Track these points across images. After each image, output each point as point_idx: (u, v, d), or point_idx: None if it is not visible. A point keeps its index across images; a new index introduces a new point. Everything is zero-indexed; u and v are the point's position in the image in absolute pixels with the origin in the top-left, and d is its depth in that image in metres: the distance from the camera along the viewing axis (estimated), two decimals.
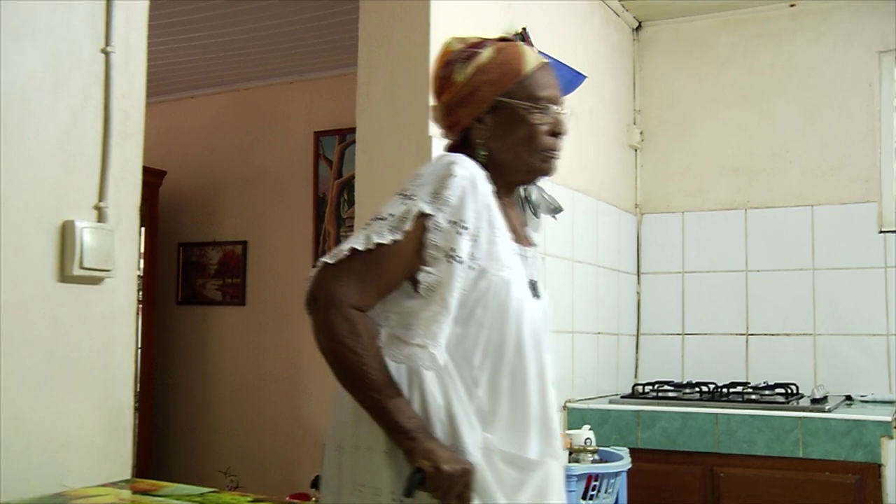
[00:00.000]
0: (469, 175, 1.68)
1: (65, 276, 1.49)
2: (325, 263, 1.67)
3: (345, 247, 1.65)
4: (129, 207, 1.62)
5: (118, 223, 1.58)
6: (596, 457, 2.80)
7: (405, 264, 1.66)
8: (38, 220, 1.46)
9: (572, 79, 3.10)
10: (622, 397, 3.48)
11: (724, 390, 3.40)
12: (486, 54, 1.82)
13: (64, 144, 1.48)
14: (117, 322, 1.59)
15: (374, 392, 1.62)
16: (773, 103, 3.96)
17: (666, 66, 4.19)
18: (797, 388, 3.44)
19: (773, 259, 3.89)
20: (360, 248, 1.64)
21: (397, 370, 1.64)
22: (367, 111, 2.76)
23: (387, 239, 1.63)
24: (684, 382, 3.66)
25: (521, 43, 1.88)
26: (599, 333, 3.73)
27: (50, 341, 1.47)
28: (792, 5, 3.94)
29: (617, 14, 4.02)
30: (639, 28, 4.24)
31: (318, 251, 4.89)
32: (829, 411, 3.04)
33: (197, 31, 4.35)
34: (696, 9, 4.04)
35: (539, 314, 1.75)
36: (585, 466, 2.69)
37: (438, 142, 2.64)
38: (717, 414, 3.12)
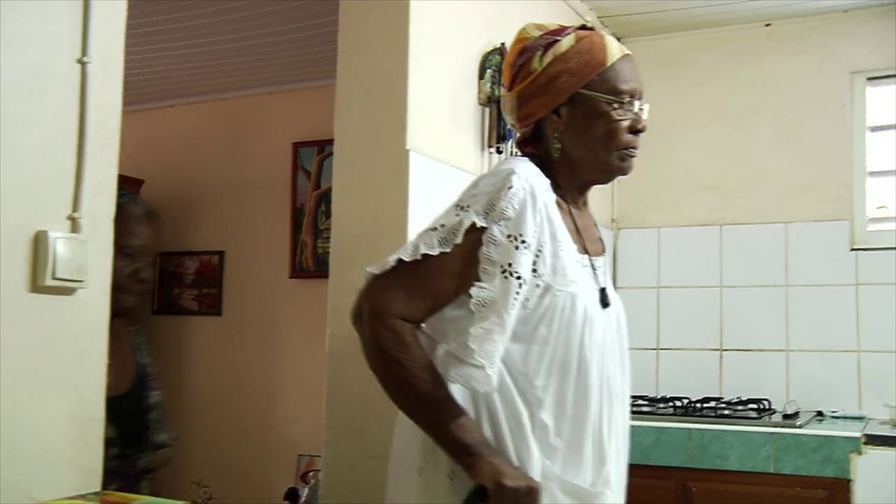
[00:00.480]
0: (528, 186, 1.60)
1: (37, 287, 1.48)
2: (371, 274, 1.61)
3: (392, 257, 1.59)
4: (104, 218, 1.62)
5: (92, 234, 1.58)
6: None
7: (455, 278, 1.58)
8: (10, 230, 1.45)
9: None
10: None
11: (698, 405, 3.42)
12: (566, 42, 1.74)
13: (38, 155, 1.48)
14: (90, 333, 1.59)
15: (426, 406, 1.54)
16: (750, 122, 4.00)
17: (644, 82, 4.20)
18: (770, 403, 3.47)
19: (747, 275, 3.92)
20: (406, 258, 1.58)
21: (454, 391, 1.56)
22: (344, 123, 2.77)
23: (435, 251, 1.57)
24: (658, 397, 3.68)
25: (603, 33, 1.80)
26: None
27: (21, 352, 1.46)
28: (767, 25, 3.99)
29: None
30: None
31: (295, 262, 4.88)
32: (800, 427, 3.07)
33: (177, 41, 4.35)
34: (674, 26, 4.07)
35: (610, 326, 1.68)
36: None
37: (416, 155, 2.65)
38: (690, 429, 3.14)
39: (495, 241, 1.56)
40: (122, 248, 1.97)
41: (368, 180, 2.69)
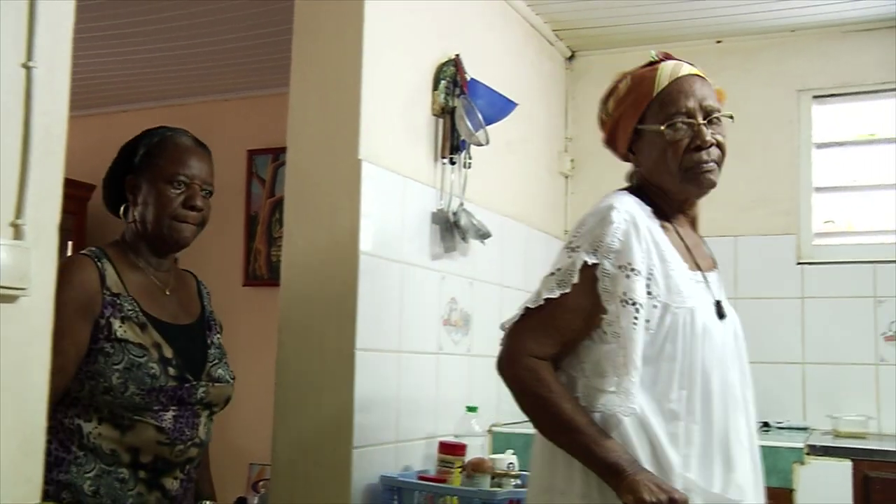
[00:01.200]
0: (629, 217, 1.71)
1: None
2: (506, 327, 1.79)
3: (520, 307, 1.75)
4: (49, 225, 1.60)
5: (36, 241, 1.56)
6: (519, 482, 2.82)
7: (580, 315, 1.69)
8: None
9: (503, 106, 3.14)
10: None
11: None
12: (622, 86, 1.89)
13: None
14: (33, 342, 1.56)
15: (570, 432, 1.64)
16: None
17: (598, 95, 4.16)
18: None
19: None
20: (531, 306, 1.73)
21: (598, 419, 1.66)
22: (297, 132, 2.77)
23: (555, 293, 1.69)
24: None
25: (669, 60, 1.87)
26: None
27: None
28: (719, 42, 4.05)
29: (551, 43, 4.09)
30: (572, 58, 4.31)
31: (249, 270, 4.86)
32: None
33: (131, 46, 4.31)
34: (627, 41, 4.12)
35: (727, 337, 1.77)
36: (508, 491, 2.70)
37: (369, 165, 2.66)
38: None
39: (608, 274, 1.68)
40: (172, 178, 2.01)
41: (321, 189, 2.69)
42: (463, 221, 3.02)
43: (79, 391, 1.88)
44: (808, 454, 2.95)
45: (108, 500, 1.87)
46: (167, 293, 2.06)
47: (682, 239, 1.81)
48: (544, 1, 3.73)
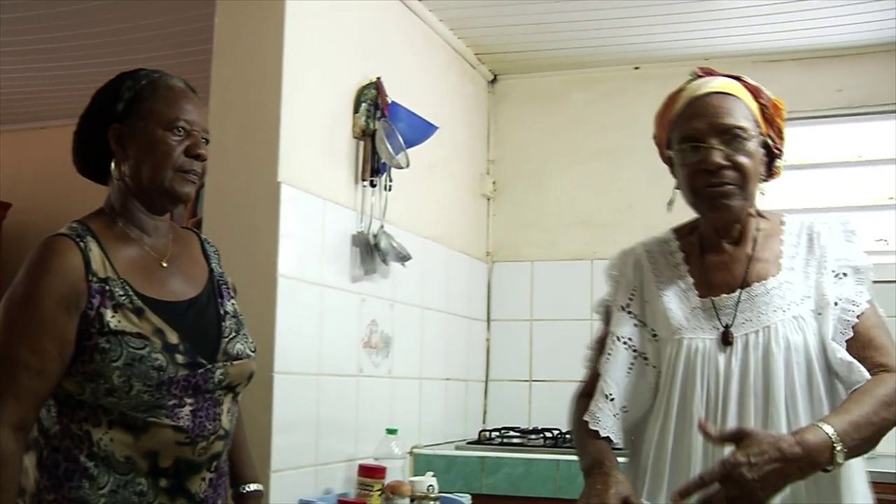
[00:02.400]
0: (619, 262, 1.92)
1: None
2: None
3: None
4: None
5: None
6: (438, 503, 2.83)
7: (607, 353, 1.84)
8: None
9: (424, 129, 3.17)
10: (468, 443, 3.53)
11: (568, 436, 3.48)
12: (660, 106, 1.90)
13: None
14: None
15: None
16: (621, 161, 4.13)
17: (520, 119, 4.32)
18: None
19: None
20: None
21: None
22: (216, 153, 2.71)
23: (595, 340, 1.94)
24: (530, 428, 3.74)
25: (703, 77, 1.83)
26: (448, 379, 3.78)
27: None
28: (636, 68, 4.15)
29: (473, 67, 4.13)
30: (494, 81, 4.36)
31: None
32: None
33: (51, 62, 4.24)
34: (549, 65, 4.19)
35: (733, 362, 1.69)
36: None
37: (288, 187, 2.66)
38: (558, 460, 3.20)
39: (608, 315, 1.89)
40: (172, 124, 1.73)
41: (239, 211, 2.68)
42: (383, 244, 3.03)
43: (80, 394, 1.64)
44: None
45: None
46: (164, 265, 1.77)
47: (702, 263, 1.80)
48: (466, 25, 3.78)
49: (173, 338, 1.68)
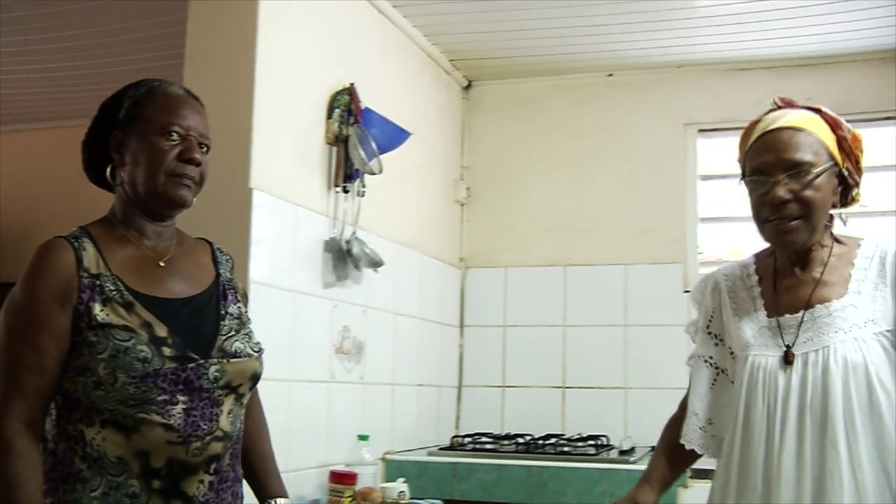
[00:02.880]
0: (700, 286, 2.08)
1: None
2: None
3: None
4: None
5: None
6: None
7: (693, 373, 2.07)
8: None
9: (397, 135, 3.17)
10: (441, 449, 3.53)
11: (540, 442, 3.50)
12: (739, 139, 1.99)
13: None
14: None
15: None
16: (594, 168, 4.16)
17: (494, 125, 4.34)
18: (608, 439, 3.58)
19: (589, 315, 4.06)
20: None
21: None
22: None
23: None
24: (502, 434, 3.74)
25: (781, 109, 1.91)
26: (421, 385, 3.78)
27: None
28: (610, 75, 4.17)
29: (447, 72, 4.14)
30: (469, 87, 4.38)
31: None
32: (633, 462, 3.18)
33: (24, 64, 4.20)
34: (523, 72, 4.21)
35: (793, 380, 1.80)
36: None
37: (260, 193, 2.65)
38: (530, 466, 3.21)
39: (695, 338, 2.07)
40: (165, 130, 1.75)
41: (211, 217, 2.63)
42: (355, 250, 3.02)
43: (74, 391, 1.65)
44: (691, 477, 3.03)
45: None
46: (161, 264, 1.78)
47: (775, 285, 1.92)
48: (441, 31, 3.79)
49: (161, 331, 1.67)
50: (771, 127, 1.86)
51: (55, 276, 1.65)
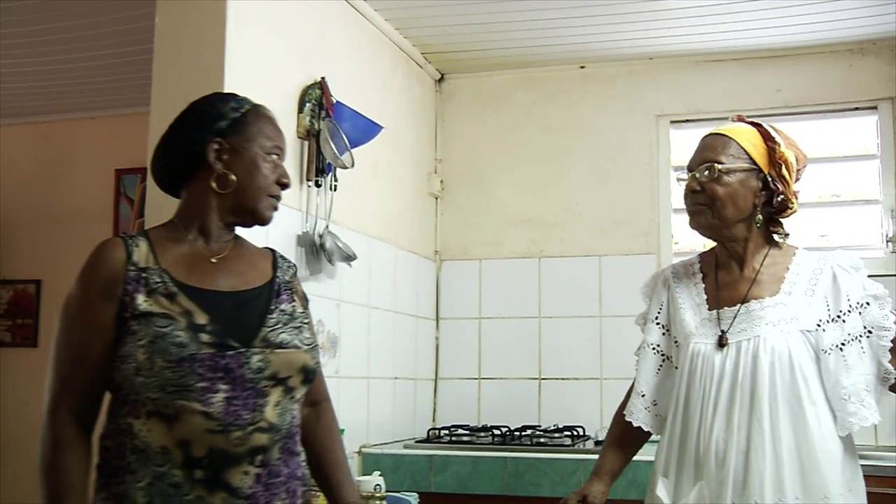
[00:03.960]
0: (651, 282, 2.31)
1: None
2: None
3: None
4: None
5: None
6: (385, 503, 2.84)
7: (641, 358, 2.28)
8: None
9: (369, 129, 3.17)
10: (417, 442, 3.54)
11: (517, 434, 3.52)
12: None
13: None
14: None
15: None
16: (567, 161, 4.18)
17: (467, 118, 4.34)
18: (584, 430, 3.61)
19: (564, 306, 4.08)
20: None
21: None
22: None
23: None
24: (479, 426, 3.76)
25: (732, 124, 2.19)
26: (396, 378, 3.78)
27: None
28: (582, 67, 4.19)
29: (420, 66, 4.14)
30: (441, 80, 4.38)
31: None
32: None
33: None
34: (494, 65, 4.21)
35: (717, 366, 2.04)
36: None
37: None
38: (506, 458, 3.23)
39: (644, 328, 2.29)
40: (271, 150, 1.86)
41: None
42: (328, 244, 3.02)
43: (122, 382, 1.70)
44: None
45: None
46: (213, 261, 1.82)
47: (717, 281, 2.15)
48: (412, 25, 3.78)
49: (201, 319, 1.70)
50: (707, 133, 2.17)
51: (103, 271, 1.72)
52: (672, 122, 4.08)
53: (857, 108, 3.91)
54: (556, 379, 4.06)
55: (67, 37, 3.87)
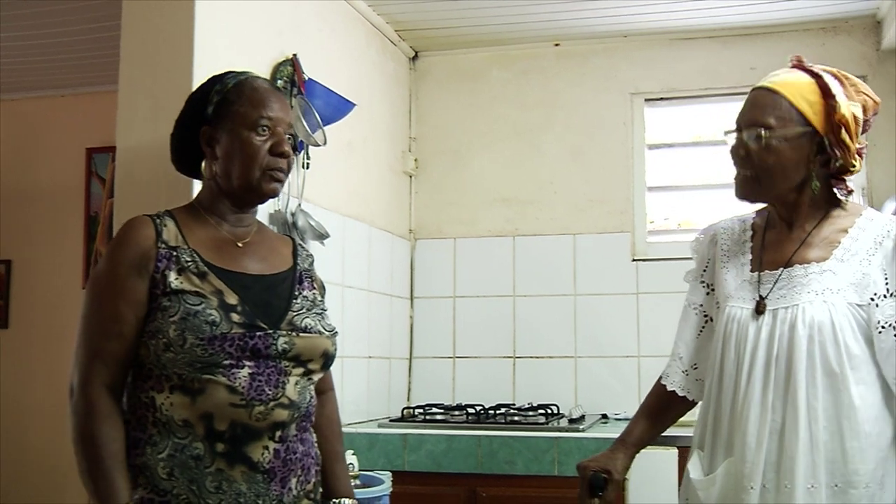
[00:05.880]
0: (701, 237, 2.16)
1: None
2: None
3: None
4: None
5: None
6: (358, 482, 2.83)
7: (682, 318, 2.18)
8: None
9: (341, 107, 3.14)
10: (392, 421, 3.54)
11: (491, 412, 3.52)
12: None
13: None
14: None
15: None
16: (541, 139, 4.16)
17: (441, 96, 4.32)
18: (558, 408, 3.61)
19: (538, 285, 4.08)
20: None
21: None
22: (126, 133, 2.70)
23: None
24: (454, 405, 3.76)
25: (784, 70, 1.98)
26: (371, 357, 3.78)
27: None
28: (557, 45, 4.17)
29: (394, 43, 4.11)
30: (415, 58, 4.35)
31: (89, 272, 4.69)
32: (582, 431, 3.21)
33: None
34: (469, 42, 4.19)
35: (763, 330, 1.87)
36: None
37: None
38: (479, 436, 3.22)
39: (690, 287, 2.16)
40: (256, 124, 1.84)
41: (151, 193, 2.62)
42: (300, 222, 3.00)
43: (147, 357, 1.74)
44: None
45: (184, 481, 1.69)
46: (239, 245, 1.88)
47: (763, 241, 2.00)
48: (385, 1, 3.74)
49: (232, 299, 1.76)
50: (756, 85, 1.95)
51: (134, 248, 1.76)
52: (647, 99, 4.07)
53: None
54: (531, 357, 4.06)
55: (37, 11, 3.81)
